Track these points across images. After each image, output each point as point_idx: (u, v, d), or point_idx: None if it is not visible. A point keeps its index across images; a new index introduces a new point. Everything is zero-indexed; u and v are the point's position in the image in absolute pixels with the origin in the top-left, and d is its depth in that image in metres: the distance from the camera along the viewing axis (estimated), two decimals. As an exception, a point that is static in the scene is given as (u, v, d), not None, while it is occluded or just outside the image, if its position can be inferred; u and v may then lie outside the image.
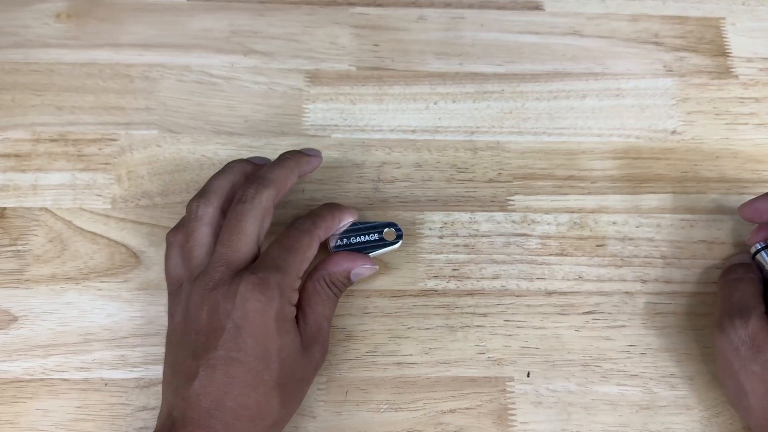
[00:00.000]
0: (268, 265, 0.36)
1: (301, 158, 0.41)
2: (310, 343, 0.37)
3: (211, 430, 0.33)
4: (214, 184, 0.39)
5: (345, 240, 0.42)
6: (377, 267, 0.42)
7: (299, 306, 0.38)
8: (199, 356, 0.34)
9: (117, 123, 0.46)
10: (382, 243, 0.42)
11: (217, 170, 0.41)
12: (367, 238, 0.42)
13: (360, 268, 0.41)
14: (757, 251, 0.42)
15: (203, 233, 0.38)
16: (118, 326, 0.42)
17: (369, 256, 0.42)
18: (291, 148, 0.46)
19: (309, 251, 0.38)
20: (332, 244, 0.42)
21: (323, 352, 0.38)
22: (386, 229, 0.42)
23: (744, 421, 0.40)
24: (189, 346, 0.35)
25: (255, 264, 0.36)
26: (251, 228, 0.37)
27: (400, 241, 0.42)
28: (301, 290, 0.39)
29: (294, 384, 0.36)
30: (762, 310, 0.38)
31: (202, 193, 0.39)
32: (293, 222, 0.39)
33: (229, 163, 0.41)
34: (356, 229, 0.42)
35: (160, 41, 0.49)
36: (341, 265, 0.40)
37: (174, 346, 0.37)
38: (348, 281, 0.41)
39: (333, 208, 0.41)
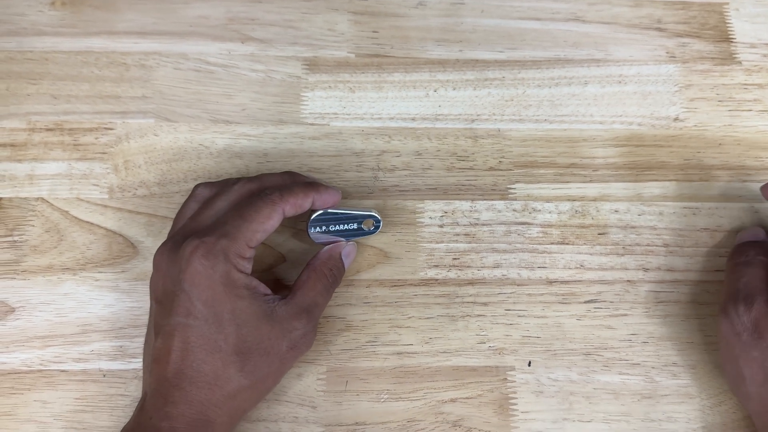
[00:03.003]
0: (216, 231, 0.36)
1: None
2: (287, 317, 0.37)
3: (170, 397, 0.34)
4: (226, 180, 0.41)
5: (324, 227, 0.41)
6: (356, 245, 0.42)
7: (294, 289, 0.38)
8: (159, 325, 0.35)
9: (113, 112, 0.46)
10: (361, 232, 0.42)
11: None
12: (346, 227, 0.41)
13: (346, 248, 0.41)
14: None
15: (190, 208, 0.39)
16: (116, 317, 0.41)
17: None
18: (290, 137, 0.46)
19: (268, 222, 0.37)
20: (311, 230, 0.41)
21: (306, 333, 0.37)
22: (365, 221, 0.42)
23: (746, 408, 0.40)
24: (153, 318, 0.37)
25: (204, 229, 0.36)
26: (222, 206, 0.38)
27: (377, 231, 0.42)
28: (298, 278, 0.39)
29: (258, 355, 0.35)
30: (766, 297, 0.37)
31: (211, 181, 0.41)
32: (263, 189, 0.38)
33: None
34: (336, 217, 0.41)
35: (156, 29, 0.48)
36: (333, 251, 0.41)
37: (148, 323, 0.38)
38: (341, 264, 0.41)
39: (309, 187, 0.39)
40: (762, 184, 0.43)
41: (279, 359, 0.36)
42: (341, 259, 0.41)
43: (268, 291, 0.37)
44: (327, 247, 0.41)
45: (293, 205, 0.38)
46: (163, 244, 0.37)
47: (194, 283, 0.34)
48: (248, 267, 0.37)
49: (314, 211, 0.40)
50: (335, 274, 0.40)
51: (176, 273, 0.35)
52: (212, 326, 0.34)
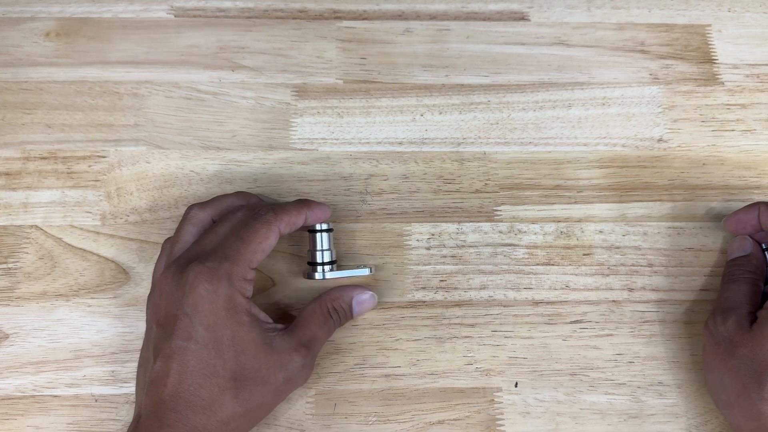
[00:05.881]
0: (218, 255, 0.36)
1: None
2: (286, 349, 0.37)
3: (165, 420, 0.34)
4: (217, 198, 0.42)
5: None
6: (377, 297, 0.42)
7: (296, 321, 0.39)
8: (158, 348, 0.36)
9: (106, 140, 0.47)
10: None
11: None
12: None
13: (361, 294, 0.41)
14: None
15: (187, 231, 0.39)
16: (108, 342, 0.42)
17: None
18: (279, 162, 0.46)
19: (265, 242, 0.38)
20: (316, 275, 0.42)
21: (304, 366, 0.38)
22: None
23: (728, 420, 0.39)
24: (152, 339, 0.37)
25: (206, 253, 0.37)
26: (224, 232, 0.38)
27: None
28: (303, 310, 0.40)
29: (254, 384, 0.36)
30: (746, 310, 0.39)
31: (203, 202, 0.41)
32: (257, 210, 0.39)
33: (239, 191, 0.43)
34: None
35: (148, 58, 0.49)
36: (344, 291, 0.41)
37: (144, 343, 0.38)
38: (350, 310, 0.41)
39: (301, 203, 0.41)
40: (739, 207, 0.43)
41: (274, 390, 0.37)
42: (351, 303, 0.41)
43: (269, 320, 0.38)
44: (342, 285, 0.42)
45: (287, 222, 0.39)
46: (167, 267, 0.38)
47: (197, 307, 0.35)
48: (250, 290, 0.37)
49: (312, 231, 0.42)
50: (339, 316, 0.41)
51: (180, 297, 0.36)
52: (212, 351, 0.35)
